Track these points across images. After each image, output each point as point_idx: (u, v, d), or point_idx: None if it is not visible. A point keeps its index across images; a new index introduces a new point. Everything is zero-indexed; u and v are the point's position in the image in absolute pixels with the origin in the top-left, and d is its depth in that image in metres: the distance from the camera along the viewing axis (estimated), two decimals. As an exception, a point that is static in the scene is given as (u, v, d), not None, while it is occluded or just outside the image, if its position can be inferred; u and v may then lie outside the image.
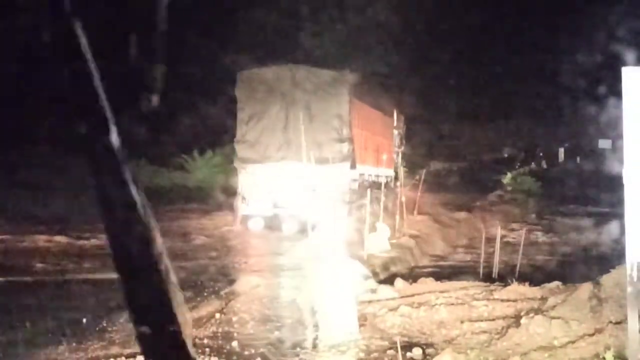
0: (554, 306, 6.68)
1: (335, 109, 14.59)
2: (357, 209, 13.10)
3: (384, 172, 18.08)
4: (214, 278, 9.79)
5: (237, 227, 14.50)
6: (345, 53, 36.98)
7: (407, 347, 6.21)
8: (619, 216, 4.93)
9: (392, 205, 14.28)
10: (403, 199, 16.32)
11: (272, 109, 14.63)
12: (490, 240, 11.92)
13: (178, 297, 1.62)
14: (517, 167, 36.73)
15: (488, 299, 7.67)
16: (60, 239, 14.19)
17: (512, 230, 15.82)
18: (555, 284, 8.09)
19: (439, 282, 8.98)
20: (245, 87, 14.98)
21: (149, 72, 32.03)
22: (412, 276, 10.47)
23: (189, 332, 1.63)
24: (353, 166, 14.80)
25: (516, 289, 7.96)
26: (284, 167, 13.43)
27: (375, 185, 15.90)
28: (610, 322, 5.93)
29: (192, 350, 1.63)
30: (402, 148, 20.69)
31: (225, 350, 6.40)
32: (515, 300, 7.54)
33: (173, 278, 1.64)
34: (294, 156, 12.88)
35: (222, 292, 8.90)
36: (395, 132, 19.99)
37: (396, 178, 19.61)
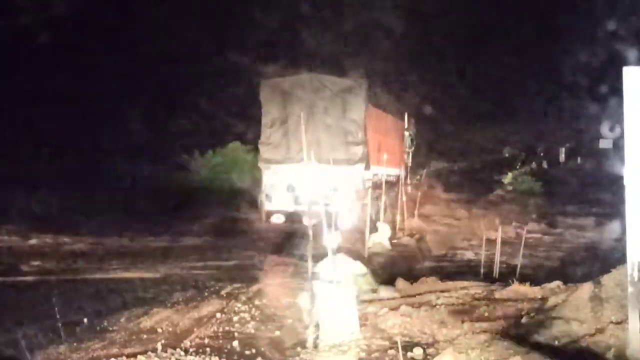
0: (555, 306, 6.67)
1: (352, 114, 15.48)
2: (371, 206, 13.88)
3: (395, 172, 19.25)
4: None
5: (264, 222, 15.70)
6: (346, 52, 37.03)
7: (408, 346, 6.20)
8: (620, 216, 4.93)
9: (400, 203, 14.56)
10: (404, 198, 16.36)
11: (293, 114, 15.43)
12: (490, 240, 11.92)
13: None
14: (517, 167, 36.70)
15: (489, 299, 7.67)
16: (61, 237, 14.20)
17: (513, 230, 15.80)
18: (556, 283, 8.08)
19: (439, 281, 8.98)
20: (268, 94, 15.91)
21: (150, 69, 32.10)
22: (412, 276, 10.47)
23: None
24: (367, 167, 15.64)
25: (517, 288, 7.96)
26: (304, 167, 13.74)
27: (387, 184, 17.17)
28: (611, 322, 5.92)
29: None
30: (413, 148, 21.51)
31: (226, 350, 6.40)
32: (515, 300, 7.54)
33: None
34: (313, 157, 13.33)
35: (222, 292, 8.91)
36: (406, 133, 20.89)
37: (406, 177, 20.79)
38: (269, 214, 15.53)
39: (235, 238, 15.11)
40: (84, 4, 29.76)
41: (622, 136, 4.68)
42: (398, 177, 19.20)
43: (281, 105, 15.81)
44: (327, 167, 13.43)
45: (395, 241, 13.98)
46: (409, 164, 21.32)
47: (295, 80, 16.07)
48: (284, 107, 15.77)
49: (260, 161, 16.01)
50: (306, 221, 11.58)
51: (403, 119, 20.52)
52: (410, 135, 21.14)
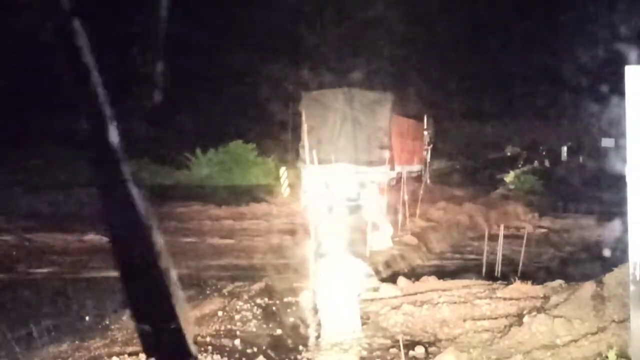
0: (557, 305, 6.67)
1: (379, 122, 18.36)
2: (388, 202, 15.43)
3: (417, 168, 22.39)
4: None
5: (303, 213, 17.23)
6: (348, 50, 37.03)
7: (410, 345, 6.21)
8: (622, 215, 4.92)
9: (402, 201, 15.31)
10: (406, 197, 16.35)
11: (329, 122, 18.27)
12: (492, 239, 11.91)
13: (178, 295, 1.62)
14: (519, 165, 36.64)
15: (491, 298, 7.66)
16: (62, 236, 14.22)
17: (515, 228, 15.79)
18: (558, 282, 8.07)
19: (441, 280, 8.98)
20: (308, 105, 18.20)
21: (150, 69, 32.08)
22: (414, 274, 10.47)
23: (189, 330, 1.63)
24: (392, 168, 18.40)
25: (519, 287, 7.95)
26: (338, 167, 16.68)
27: (409, 180, 18.63)
28: (613, 320, 5.92)
29: (193, 347, 1.63)
30: (431, 146, 24.51)
31: (227, 348, 6.40)
32: (517, 299, 7.53)
33: (173, 276, 1.64)
34: (346, 159, 16.80)
35: (224, 290, 8.92)
36: (425, 133, 23.78)
37: (424, 171, 23.86)
38: (307, 207, 17.26)
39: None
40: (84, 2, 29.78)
41: (624, 135, 4.67)
42: (419, 172, 22.33)
43: (318, 114, 18.07)
44: (358, 167, 17.02)
45: (397, 239, 13.98)
46: (428, 160, 24.33)
47: (331, 93, 18.97)
48: (321, 116, 18.15)
49: (299, 161, 18.28)
50: (338, 214, 13.15)
51: (422, 121, 23.30)
52: (428, 134, 23.98)
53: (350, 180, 16.89)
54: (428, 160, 24.39)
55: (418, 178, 21.39)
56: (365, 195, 15.14)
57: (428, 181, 23.31)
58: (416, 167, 22.21)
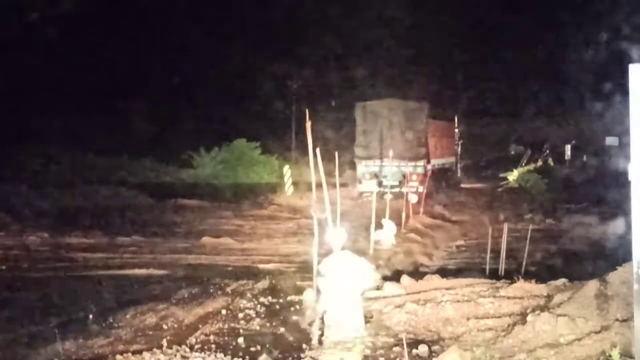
0: (560, 303, 6.66)
1: (417, 126, 23.10)
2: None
3: (450, 161, 27.58)
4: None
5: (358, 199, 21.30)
6: (353, 49, 37.02)
7: (413, 344, 6.20)
8: (626, 213, 4.91)
9: (405, 199, 16.01)
10: (409, 196, 16.35)
11: (377, 126, 23.01)
12: (495, 237, 11.89)
13: None
14: (523, 164, 36.58)
15: (494, 296, 7.65)
16: (66, 235, 14.24)
17: (519, 227, 15.76)
18: (562, 281, 8.05)
19: (444, 279, 8.96)
20: (360, 112, 23.62)
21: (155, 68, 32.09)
22: (418, 273, 10.46)
23: None
24: (428, 162, 23.24)
25: (522, 286, 7.93)
26: (386, 162, 21.64)
27: (442, 171, 25.88)
28: (617, 319, 5.90)
29: None
30: (461, 141, 29.61)
31: (231, 347, 6.41)
32: (521, 298, 7.52)
33: None
34: (392, 156, 20.22)
35: (228, 289, 8.92)
36: (456, 130, 28.78)
37: (456, 163, 29.05)
38: (361, 194, 21.81)
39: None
40: (89, 2, 29.85)
41: (628, 133, 4.66)
42: (452, 164, 27.63)
43: (369, 120, 23.30)
44: (400, 162, 22.11)
45: (400, 237, 13.97)
46: (459, 153, 29.33)
47: (378, 103, 23.90)
48: (371, 121, 23.23)
49: (355, 158, 23.20)
50: (387, 199, 14.98)
51: (453, 122, 28.73)
52: (459, 132, 29.09)
53: (394, 171, 22.12)
54: (459, 153, 29.24)
55: (450, 169, 27.11)
56: (409, 184, 20.10)
57: (459, 173, 29.51)
58: (449, 160, 27.21)
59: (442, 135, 26.34)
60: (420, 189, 20.15)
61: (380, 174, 22.21)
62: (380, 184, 20.97)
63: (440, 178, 25.32)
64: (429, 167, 23.20)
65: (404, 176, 21.69)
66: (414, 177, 22.09)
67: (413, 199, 16.58)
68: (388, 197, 14.35)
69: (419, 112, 23.34)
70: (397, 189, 20.19)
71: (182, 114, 33.58)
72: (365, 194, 21.33)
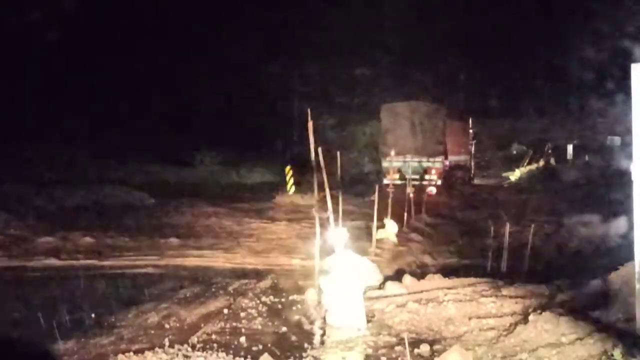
0: (562, 303, 6.66)
1: (436, 125, 25.59)
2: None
3: (465, 157, 29.30)
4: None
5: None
6: (352, 48, 37.00)
7: (415, 343, 6.20)
8: (628, 212, 4.91)
9: (407, 198, 16.41)
10: (411, 195, 16.37)
11: (401, 126, 25.47)
12: (497, 237, 11.90)
13: None
14: (525, 163, 36.58)
15: (496, 296, 7.66)
16: (68, 234, 14.24)
17: (520, 226, 15.74)
18: (564, 280, 8.06)
19: (446, 278, 8.97)
20: (385, 113, 26.17)
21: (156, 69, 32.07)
22: (420, 272, 10.46)
23: None
24: (446, 158, 26.06)
25: (524, 285, 7.94)
26: (408, 158, 24.32)
27: (457, 167, 28.45)
28: (619, 318, 5.91)
29: None
30: (475, 141, 31.42)
31: (233, 346, 6.42)
32: (523, 297, 7.53)
33: None
34: (414, 152, 24.26)
35: (230, 288, 8.93)
36: (471, 131, 30.33)
37: (470, 160, 30.61)
38: (386, 186, 21.34)
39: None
40: (92, 2, 29.89)
41: (630, 133, 4.66)
42: (466, 161, 29.32)
43: (393, 120, 25.77)
44: (421, 157, 24.79)
45: (402, 237, 13.98)
46: (472, 151, 30.99)
47: (401, 105, 26.41)
48: (395, 122, 25.68)
49: (380, 154, 25.86)
50: (409, 191, 16.52)
51: (468, 122, 30.20)
52: (473, 131, 30.76)
53: (415, 166, 24.15)
54: (472, 151, 31.04)
55: (464, 165, 29.12)
56: (429, 178, 23.86)
57: (473, 170, 31.37)
58: (465, 157, 29.29)
59: (458, 134, 28.53)
60: (439, 182, 24.33)
61: (403, 168, 23.94)
62: (402, 178, 22.42)
63: (456, 174, 28.01)
64: (447, 162, 26.17)
65: (425, 171, 24.58)
66: (433, 171, 24.75)
67: (432, 190, 19.93)
68: (409, 190, 16.24)
69: (438, 112, 26.13)
70: (417, 182, 22.17)
71: (183, 114, 33.55)
72: (389, 187, 22.50)
